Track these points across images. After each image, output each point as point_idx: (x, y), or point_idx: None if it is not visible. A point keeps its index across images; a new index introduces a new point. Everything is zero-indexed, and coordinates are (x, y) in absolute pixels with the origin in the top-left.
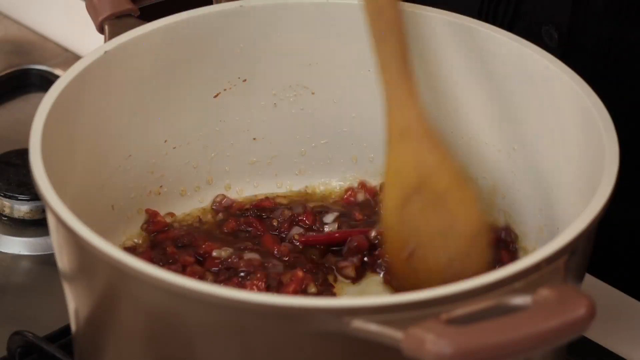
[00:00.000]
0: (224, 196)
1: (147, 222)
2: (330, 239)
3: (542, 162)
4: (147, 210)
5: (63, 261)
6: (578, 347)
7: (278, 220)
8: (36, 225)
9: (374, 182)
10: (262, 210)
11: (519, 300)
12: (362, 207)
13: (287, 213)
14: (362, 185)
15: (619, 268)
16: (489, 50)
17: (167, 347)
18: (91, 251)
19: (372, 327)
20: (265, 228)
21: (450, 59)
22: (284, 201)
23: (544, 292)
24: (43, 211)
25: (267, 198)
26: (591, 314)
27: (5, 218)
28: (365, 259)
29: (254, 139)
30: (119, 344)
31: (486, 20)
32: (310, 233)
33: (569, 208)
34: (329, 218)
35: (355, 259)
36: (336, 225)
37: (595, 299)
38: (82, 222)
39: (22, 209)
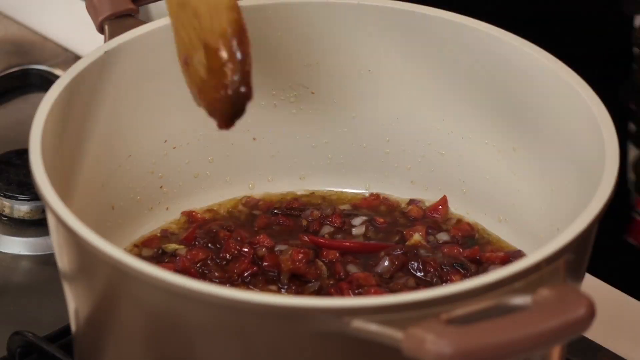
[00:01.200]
0: (248, 197)
1: (187, 221)
2: (363, 248)
3: (542, 162)
4: (183, 213)
5: (63, 261)
6: (578, 347)
7: (307, 220)
8: (36, 225)
9: (375, 182)
10: (291, 210)
11: (519, 300)
12: (383, 214)
13: (317, 214)
14: (385, 198)
15: (619, 268)
16: (488, 50)
17: (167, 347)
18: (91, 251)
19: (372, 327)
20: (295, 226)
21: (450, 59)
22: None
23: (544, 292)
24: (43, 211)
25: (296, 199)
26: (591, 314)
27: (5, 218)
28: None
29: (254, 139)
30: (119, 344)
31: None
32: (337, 236)
33: (569, 208)
34: (357, 221)
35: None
36: (364, 229)
37: (595, 299)
38: (82, 222)
39: (22, 209)
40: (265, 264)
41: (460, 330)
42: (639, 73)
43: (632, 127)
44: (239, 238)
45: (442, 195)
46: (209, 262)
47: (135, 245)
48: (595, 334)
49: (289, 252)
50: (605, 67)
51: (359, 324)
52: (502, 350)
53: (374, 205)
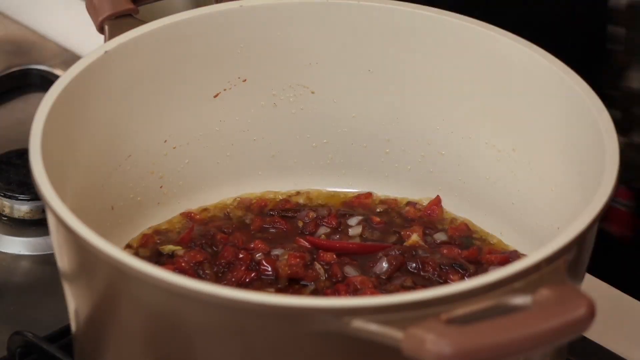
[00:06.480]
0: (245, 197)
1: (185, 221)
2: (361, 248)
3: (542, 162)
4: (182, 214)
5: (63, 261)
6: (578, 347)
7: (303, 221)
8: (36, 225)
9: (374, 181)
10: (286, 211)
11: (519, 300)
12: (378, 213)
13: (312, 215)
14: (377, 196)
15: (619, 268)
16: (489, 50)
17: (167, 347)
18: (91, 251)
19: (372, 327)
20: (291, 228)
21: (450, 59)
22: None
23: (544, 292)
24: (43, 211)
25: (287, 200)
26: (591, 314)
27: (5, 218)
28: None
29: (254, 139)
30: (119, 344)
31: None
32: (335, 237)
33: (569, 208)
34: (353, 221)
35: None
36: (360, 229)
37: (595, 299)
38: (82, 222)
39: (22, 209)
40: (262, 267)
41: (460, 330)
42: (620, 55)
43: (616, 114)
44: (235, 242)
45: (442, 195)
46: (205, 265)
47: (131, 246)
48: (595, 334)
49: (285, 257)
50: (579, 53)
51: (359, 324)
52: (502, 350)
53: (367, 204)
